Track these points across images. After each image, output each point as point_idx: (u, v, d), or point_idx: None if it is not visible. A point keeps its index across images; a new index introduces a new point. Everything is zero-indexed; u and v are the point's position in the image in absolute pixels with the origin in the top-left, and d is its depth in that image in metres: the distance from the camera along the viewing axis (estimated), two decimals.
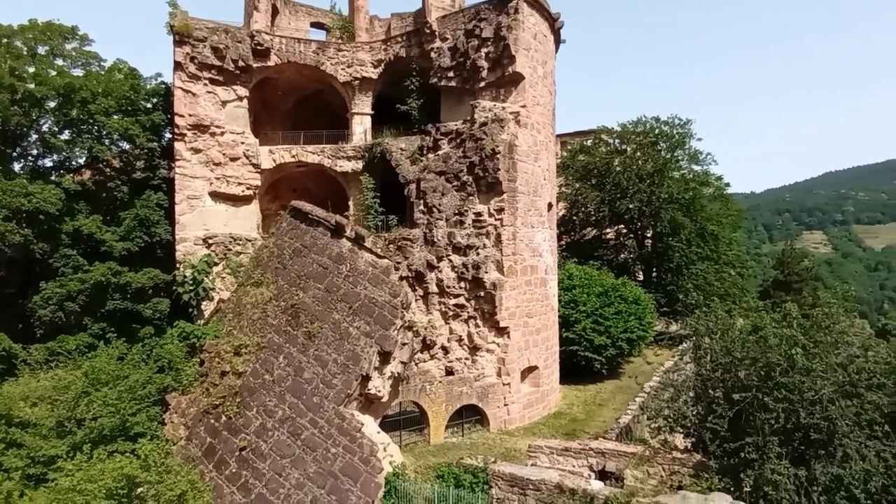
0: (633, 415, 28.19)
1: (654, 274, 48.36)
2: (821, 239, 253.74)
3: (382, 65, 32.18)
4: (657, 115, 49.46)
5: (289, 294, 23.94)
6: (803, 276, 60.62)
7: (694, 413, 19.00)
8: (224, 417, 21.81)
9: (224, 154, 30.27)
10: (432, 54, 29.71)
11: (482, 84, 28.65)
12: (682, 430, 19.76)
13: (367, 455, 20.01)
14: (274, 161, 31.73)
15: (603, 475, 19.65)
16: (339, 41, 32.65)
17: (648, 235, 48.73)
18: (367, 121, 32.95)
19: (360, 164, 31.51)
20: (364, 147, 31.59)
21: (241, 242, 30.28)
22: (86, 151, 30.54)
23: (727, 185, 51.01)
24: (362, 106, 32.87)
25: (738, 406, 16.93)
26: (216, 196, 30.24)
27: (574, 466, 20.22)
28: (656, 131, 47.69)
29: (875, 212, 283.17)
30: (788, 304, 19.54)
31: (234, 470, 20.60)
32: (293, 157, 31.88)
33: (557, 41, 33.34)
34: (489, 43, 28.26)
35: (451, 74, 29.49)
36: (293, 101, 35.61)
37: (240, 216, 31.08)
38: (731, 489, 16.38)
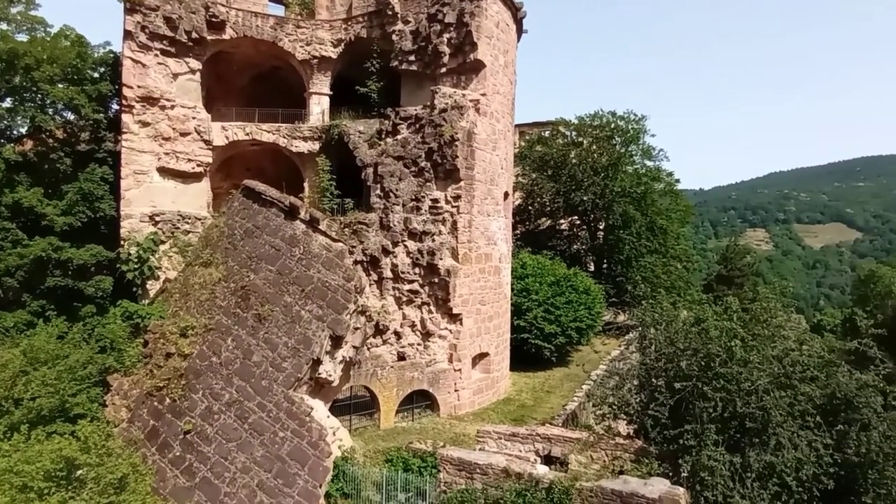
0: (579, 402, 28.89)
1: (605, 265, 49.46)
2: (763, 236, 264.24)
3: (342, 44, 31.59)
4: (613, 109, 50.39)
5: (239, 275, 23.45)
6: (745, 271, 63.05)
7: (637, 401, 19.65)
8: (168, 400, 21.31)
9: (174, 129, 29.27)
10: (394, 37, 29.33)
11: (443, 70, 28.50)
12: (625, 417, 20.43)
13: (315, 439, 19.91)
14: (227, 138, 30.88)
15: (548, 460, 20.14)
16: (299, 17, 31.86)
17: (601, 227, 49.73)
18: (326, 101, 32.37)
19: (316, 146, 30.97)
20: (321, 128, 31.05)
21: (189, 221, 29.43)
22: (28, 121, 29.12)
23: (677, 181, 52.56)
24: (320, 86, 32.25)
25: (678, 395, 17.60)
26: (164, 172, 29.26)
27: (521, 451, 20.65)
28: (612, 126, 48.58)
29: (815, 212, 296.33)
30: (730, 297, 20.38)
31: (177, 453, 20.19)
32: (247, 134, 31.09)
33: (519, 31, 33.44)
34: (452, 28, 28.10)
35: (412, 58, 29.21)
36: (249, 77, 34.64)
37: (189, 194, 30.18)
38: (670, 474, 17.06)
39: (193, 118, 29.70)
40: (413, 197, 27.64)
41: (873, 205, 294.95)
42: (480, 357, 29.54)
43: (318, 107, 32.23)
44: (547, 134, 52.34)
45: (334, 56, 31.75)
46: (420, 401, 27.29)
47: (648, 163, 49.44)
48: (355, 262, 25.45)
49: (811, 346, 19.03)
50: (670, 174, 51.16)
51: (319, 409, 21.26)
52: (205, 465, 19.75)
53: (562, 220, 50.40)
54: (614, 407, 20.17)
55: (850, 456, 16.38)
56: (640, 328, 21.89)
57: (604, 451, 19.11)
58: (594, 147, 48.34)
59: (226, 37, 30.14)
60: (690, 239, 70.97)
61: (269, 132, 31.24)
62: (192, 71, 29.80)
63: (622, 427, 21.33)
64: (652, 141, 49.79)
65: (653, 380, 19.06)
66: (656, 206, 47.60)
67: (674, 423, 17.51)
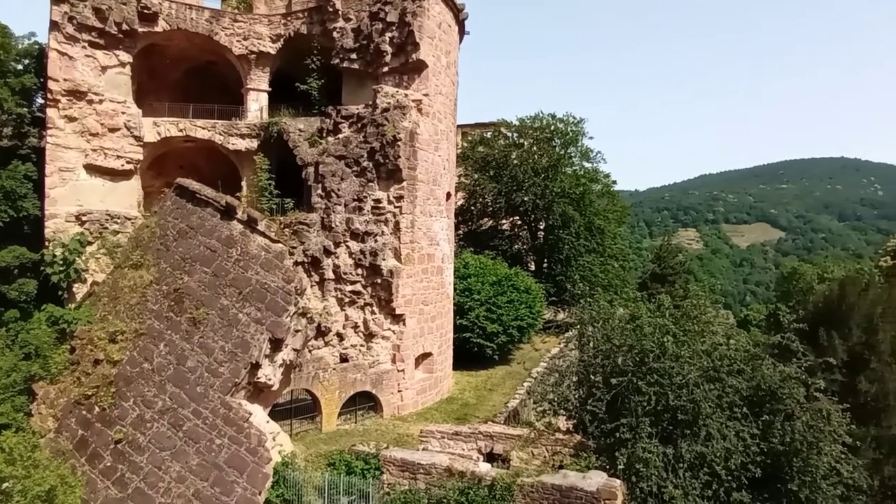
0: (520, 399, 29.35)
1: (545, 264, 50.39)
2: (694, 236, 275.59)
3: (282, 40, 30.92)
4: (553, 111, 51.45)
5: (172, 278, 22.60)
6: (677, 269, 65.57)
7: (576, 396, 20.15)
8: (97, 409, 20.33)
9: (102, 124, 27.93)
10: (335, 34, 28.93)
11: (385, 69, 28.34)
12: (565, 413, 20.90)
13: (254, 445, 19.43)
14: (158, 134, 29.72)
15: (491, 457, 20.38)
16: (236, 11, 30.97)
17: (541, 227, 50.64)
18: (264, 98, 31.62)
19: (254, 143, 30.21)
20: (259, 125, 30.31)
21: (119, 221, 28.16)
22: None
23: (614, 182, 54.12)
24: (259, 81, 31.48)
25: (615, 390, 18.15)
26: (92, 169, 27.89)
27: (464, 450, 20.79)
28: (552, 128, 49.53)
29: (742, 213, 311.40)
30: (662, 295, 21.17)
31: (108, 464, 19.30)
32: (180, 131, 30.01)
33: (462, 32, 33.66)
34: (394, 28, 27.98)
35: (353, 56, 28.90)
36: (183, 72, 33.42)
37: (118, 192, 28.87)
38: (607, 467, 17.56)
39: (123, 113, 28.44)
40: (355, 197, 27.37)
41: (795, 206, 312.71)
42: (424, 357, 29.57)
43: (256, 103, 31.46)
44: (489, 135, 52.86)
45: (273, 52, 31.06)
46: (363, 402, 27.07)
47: (586, 164, 50.73)
48: (296, 264, 24.99)
49: (738, 341, 19.99)
50: (607, 176, 52.68)
51: (258, 415, 20.77)
52: (137, 475, 18.97)
53: (503, 221, 51.02)
54: (554, 403, 20.60)
55: (776, 445, 17.24)
56: (578, 326, 22.45)
57: (544, 447, 19.48)
58: (535, 148, 49.20)
59: (158, 29, 28.99)
60: (626, 238, 73.37)
61: (204, 128, 30.27)
62: (123, 64, 28.54)
63: (562, 423, 21.81)
64: (590, 143, 51.06)
65: (591, 376, 19.59)
66: (594, 207, 48.85)
67: (610, 418, 18.04)
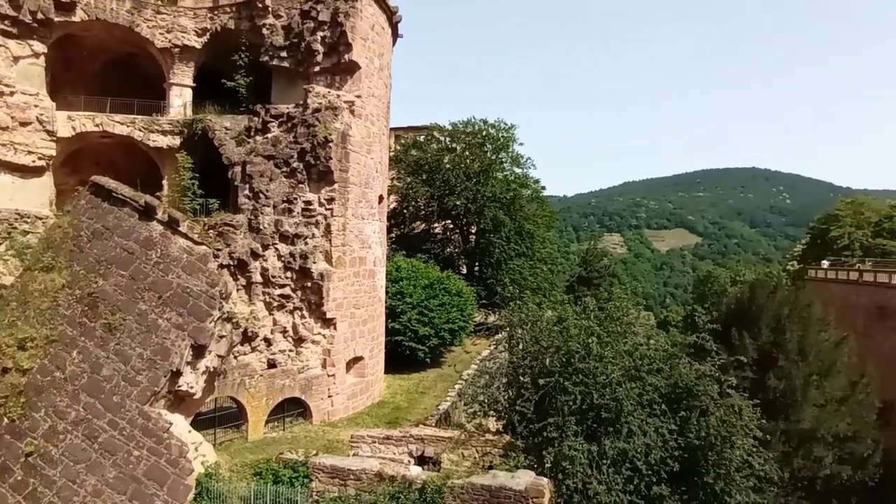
0: (451, 401, 29.54)
1: (477, 268, 51.01)
2: (618, 240, 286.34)
3: (208, 34, 29.83)
4: (485, 117, 52.24)
5: (86, 281, 21.31)
6: (602, 273, 68.04)
7: (505, 398, 20.47)
8: (6, 420, 18.88)
9: (12, 117, 26.12)
10: (264, 30, 28.18)
11: (317, 68, 27.88)
12: (494, 414, 21.20)
13: (175, 456, 18.63)
14: (73, 129, 28.05)
15: (422, 460, 20.40)
16: (159, 3, 29.66)
17: (473, 231, 51.25)
18: (188, 93, 30.41)
19: (177, 141, 28.99)
20: (183, 122, 29.11)
21: (29, 220, 26.35)
22: None
23: (543, 188, 55.49)
24: (182, 76, 30.25)
25: (542, 390, 18.58)
26: (1, 165, 26.02)
27: (395, 454, 20.72)
28: (484, 133, 50.29)
29: (662, 219, 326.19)
30: (588, 298, 21.87)
31: (19, 478, 17.98)
32: (97, 126, 28.43)
33: (395, 35, 33.61)
34: (326, 27, 27.57)
35: (283, 54, 28.25)
36: (101, 64, 31.67)
37: (29, 190, 27.04)
38: (535, 466, 17.95)
39: (36, 106, 26.70)
40: (285, 198, 26.76)
41: (711, 213, 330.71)
42: (355, 361, 29.25)
43: (180, 99, 30.21)
44: (422, 138, 53.06)
45: (198, 46, 29.93)
46: (292, 409, 26.45)
47: (517, 170, 51.80)
48: (221, 267, 24.13)
49: (657, 341, 20.93)
50: (537, 181, 53.97)
51: (179, 424, 19.92)
52: (50, 489, 17.81)
53: (436, 224, 51.30)
54: (484, 405, 20.85)
55: (692, 440, 18.10)
56: (508, 328, 22.83)
57: (474, 448, 19.70)
58: (467, 153, 49.79)
59: (76, 19, 27.40)
60: (555, 243, 75.29)
61: (122, 124, 28.80)
62: (36, 55, 26.82)
63: (492, 424, 22.10)
64: (520, 149, 52.23)
65: (520, 377, 19.97)
66: (524, 212, 49.91)
67: (538, 417, 18.45)
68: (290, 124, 27.34)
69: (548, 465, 17.31)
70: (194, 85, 30.53)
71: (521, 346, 20.65)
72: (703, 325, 22.57)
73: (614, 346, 19.05)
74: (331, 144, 26.59)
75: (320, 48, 27.61)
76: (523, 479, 16.42)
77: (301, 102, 27.41)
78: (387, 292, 34.06)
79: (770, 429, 24.60)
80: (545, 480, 16.43)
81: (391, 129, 41.66)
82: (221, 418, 24.34)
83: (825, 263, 66.10)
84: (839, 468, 28.84)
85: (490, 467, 18.07)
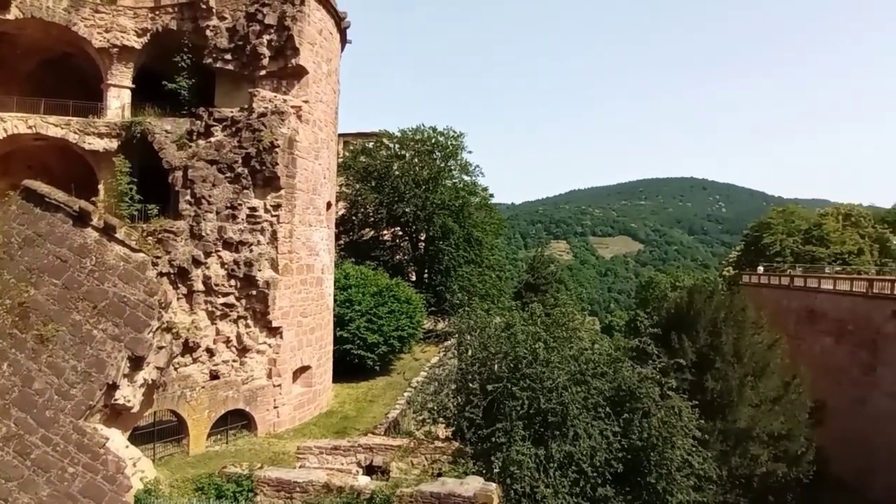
0: (401, 409, 29.36)
1: (426, 275, 51.08)
2: (565, 247, 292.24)
3: (148, 35, 28.83)
4: (434, 124, 52.53)
5: (16, 290, 20.17)
6: (549, 279, 69.28)
7: (454, 404, 20.54)
8: None
9: None
10: (208, 32, 27.46)
11: (263, 72, 27.37)
12: (444, 421, 21.23)
13: (112, 473, 17.80)
14: (5, 131, 26.58)
15: (371, 470, 20.17)
16: (98, 2, 28.53)
17: (422, 238, 51.32)
18: (127, 95, 29.29)
19: (114, 144, 27.84)
20: (121, 124, 28.00)
21: None
22: None
23: (491, 195, 56.21)
24: (121, 77, 29.11)
25: (491, 396, 18.73)
26: None
27: (343, 464, 20.42)
28: (433, 140, 50.54)
29: (607, 226, 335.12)
30: (535, 304, 22.21)
31: None
32: (30, 128, 27.03)
33: (343, 40, 33.39)
34: (272, 30, 27.12)
35: (228, 57, 27.58)
36: (36, 63, 30.15)
37: None
38: (484, 471, 18.02)
39: None
40: (229, 204, 26.09)
41: (652, 221, 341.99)
42: (302, 371, 28.73)
43: (118, 101, 29.08)
44: (371, 145, 52.89)
45: (138, 46, 28.90)
46: (236, 421, 25.70)
47: (466, 177, 52.27)
48: (160, 275, 23.31)
49: (601, 346, 21.47)
50: (485, 189, 54.60)
51: (116, 439, 19.09)
52: None
53: (385, 231, 51.15)
54: (433, 412, 20.86)
55: (635, 441, 18.57)
56: (457, 335, 22.93)
57: (424, 456, 19.62)
58: (416, 160, 49.89)
59: (10, 17, 26.04)
60: (503, 250, 76.35)
61: (56, 126, 27.49)
62: None
63: (441, 431, 22.11)
64: (469, 157, 52.78)
65: (468, 383, 20.07)
66: (473, 219, 50.35)
67: (487, 423, 18.57)
68: (234, 128, 26.73)
69: (496, 471, 17.43)
70: (133, 86, 29.46)
71: (469, 353, 20.77)
72: (645, 329, 23.24)
73: (560, 351, 19.40)
74: (277, 150, 26.13)
75: (266, 52, 27.13)
76: (472, 485, 16.47)
77: (246, 106, 26.85)
78: (335, 300, 33.65)
79: (708, 429, 25.53)
80: (494, 486, 16.53)
81: (340, 136, 41.32)
82: (161, 432, 23.41)
83: (760, 269, 69.31)
84: (774, 466, 30.09)
85: (439, 474, 18.04)
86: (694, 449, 19.35)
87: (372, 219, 49.17)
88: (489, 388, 18.75)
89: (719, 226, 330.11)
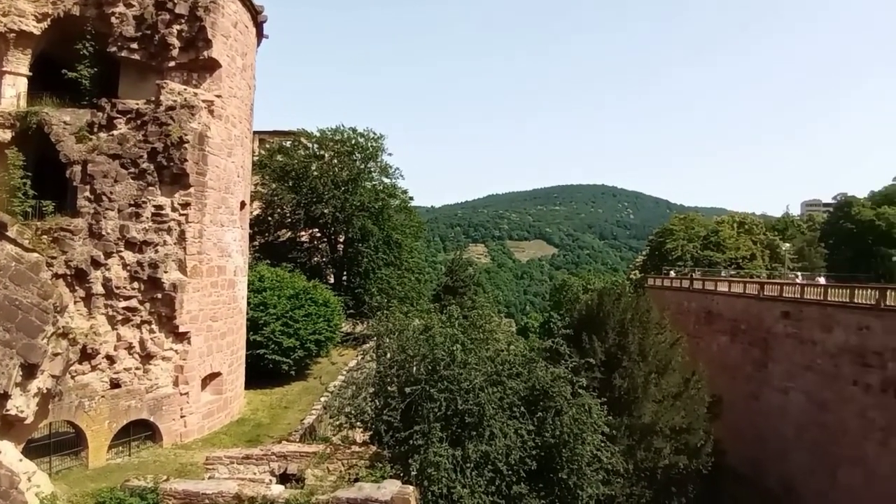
0: (317, 414, 28.83)
1: (345, 277, 50.46)
2: (483, 251, 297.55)
3: (49, 20, 26.71)
4: (354, 125, 52.04)
5: None
6: (467, 282, 70.29)
7: (372, 408, 20.41)
8: None
9: None
10: (113, 19, 25.83)
11: (172, 63, 26.07)
12: (361, 426, 21.05)
13: (5, 488, 16.35)
14: None
15: (285, 478, 19.65)
16: None
17: (341, 240, 50.70)
18: (23, 83, 27.00)
19: (8, 135, 25.57)
20: (16, 114, 25.75)
21: None
22: None
23: (411, 198, 56.30)
24: (17, 64, 26.80)
25: (409, 398, 18.76)
26: None
27: (255, 473, 19.78)
28: (353, 141, 50.02)
29: (523, 230, 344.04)
30: (452, 306, 22.47)
31: None
32: None
33: (260, 35, 32.45)
34: (183, 20, 25.89)
35: (134, 46, 26.06)
36: None
37: None
38: (402, 475, 18.01)
39: None
40: (132, 202, 24.63)
41: (566, 225, 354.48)
42: (211, 377, 27.55)
43: (13, 89, 26.77)
44: (288, 144, 51.64)
45: (37, 32, 26.70)
46: (140, 431, 24.28)
47: (385, 180, 52.07)
48: (55, 276, 21.73)
49: (517, 347, 22.05)
50: (405, 192, 54.63)
51: (9, 452, 17.57)
52: None
53: (302, 233, 50.10)
54: (351, 416, 20.64)
55: (548, 438, 19.16)
56: (376, 337, 22.80)
57: (340, 462, 19.36)
58: (335, 161, 49.22)
59: None
60: (423, 252, 76.63)
61: None
62: None
63: (359, 435, 21.91)
64: (389, 159, 52.62)
65: (387, 386, 20.02)
66: (392, 222, 50.28)
67: (405, 426, 18.58)
68: (139, 122, 25.27)
69: (414, 473, 17.47)
70: (30, 74, 27.26)
71: (388, 356, 20.72)
72: (558, 330, 24.05)
73: (477, 353, 19.73)
74: (186, 145, 24.96)
75: (176, 42, 25.88)
76: (389, 488, 16.42)
77: (153, 99, 25.48)
78: (249, 303, 32.54)
79: (616, 424, 26.74)
80: (411, 488, 16.55)
81: (255, 133, 40.05)
82: (58, 445, 21.73)
83: (672, 273, 73.43)
84: (676, 458, 31.88)
85: (356, 480, 17.85)
86: (603, 444, 20.19)
87: (289, 220, 48.00)
88: (407, 390, 18.78)
89: (627, 231, 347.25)
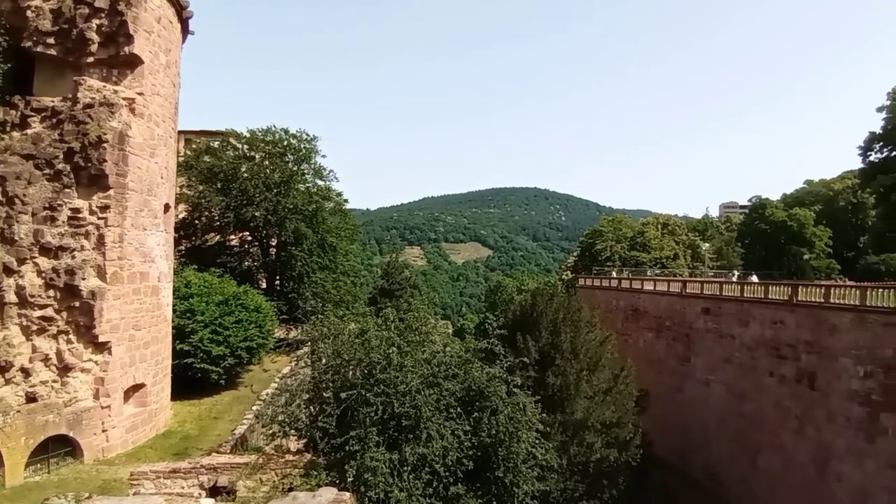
0: (249, 424, 28.04)
1: (277, 282, 49.31)
2: (419, 253, 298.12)
3: None
4: (286, 126, 50.92)
5: None
6: (403, 284, 70.35)
7: (307, 415, 20.02)
8: None
9: None
10: (28, 13, 24.21)
11: (91, 59, 24.72)
12: (295, 433, 20.59)
13: None
14: None
15: (215, 491, 18.98)
16: None
17: (273, 244, 49.51)
18: None
19: None
20: None
21: None
22: None
23: (346, 201, 55.61)
24: None
25: (345, 403, 18.53)
26: None
27: (184, 488, 19.02)
28: (285, 143, 48.95)
29: (458, 233, 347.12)
30: (388, 309, 22.36)
31: None
32: None
33: (185, 31, 31.27)
34: (103, 15, 24.61)
35: (51, 41, 24.54)
36: None
37: None
38: (338, 481, 17.76)
39: None
40: (47, 205, 23.20)
41: (500, 228, 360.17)
42: (135, 389, 26.28)
43: None
44: (216, 144, 49.95)
45: None
46: (59, 448, 22.88)
47: (319, 182, 51.25)
48: None
49: (453, 348, 22.15)
50: (339, 194, 53.90)
51: None
52: None
53: (232, 236, 48.57)
54: (284, 424, 20.15)
55: (484, 438, 19.33)
56: (310, 343, 22.40)
57: (274, 471, 18.88)
58: (266, 162, 48.02)
59: None
60: (358, 255, 76.00)
61: None
62: None
63: (293, 444, 21.43)
64: (323, 161, 51.77)
65: (322, 392, 19.70)
66: (327, 224, 49.55)
67: (340, 432, 18.34)
68: (55, 120, 23.88)
69: (350, 479, 17.26)
70: None
71: (323, 361, 20.39)
72: (493, 331, 24.36)
73: (414, 355, 19.71)
74: (105, 145, 23.74)
75: (95, 37, 24.57)
76: (325, 496, 16.13)
77: (70, 96, 24.13)
78: (174, 310, 31.23)
79: (550, 421, 27.36)
80: (347, 495, 16.33)
81: (181, 133, 38.60)
82: None
83: (614, 273, 75.76)
84: (607, 452, 32.93)
85: (290, 489, 17.45)
86: (537, 441, 20.57)
87: (217, 223, 46.39)
88: (343, 395, 18.54)
89: (559, 233, 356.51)
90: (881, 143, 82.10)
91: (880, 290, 33.99)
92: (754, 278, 51.94)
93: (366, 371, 18.97)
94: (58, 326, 23.47)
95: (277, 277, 49.43)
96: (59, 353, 23.45)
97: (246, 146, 49.23)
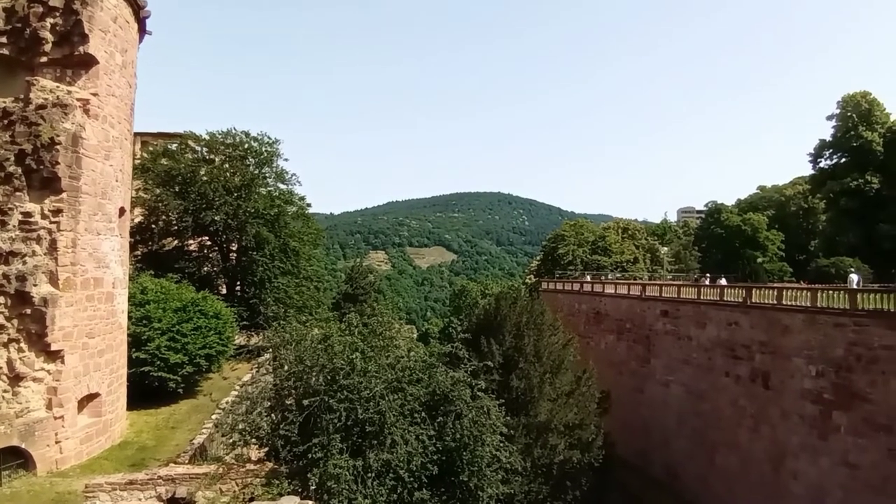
0: (208, 433, 27.46)
1: (238, 287, 48.43)
2: (383, 258, 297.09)
3: None
4: (247, 129, 50.04)
5: None
6: (368, 289, 69.99)
7: (268, 423, 19.74)
8: None
9: None
10: None
11: (44, 59, 23.96)
12: (256, 442, 20.28)
13: None
14: None
15: (174, 502, 18.58)
16: None
17: (233, 249, 48.57)
18: None
19: None
20: None
21: None
22: None
23: (309, 205, 55.01)
24: None
25: (307, 410, 18.34)
26: None
27: (141, 499, 18.59)
28: (246, 146, 48.10)
29: (423, 237, 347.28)
30: (352, 314, 22.25)
31: None
32: None
33: (142, 31, 30.54)
34: (58, 14, 23.91)
35: (3, 40, 23.65)
36: None
37: None
38: (300, 490, 17.57)
39: None
40: None
41: (464, 232, 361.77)
42: (89, 399, 25.45)
43: None
44: (174, 147, 48.78)
45: None
46: (11, 460, 22.00)
47: (281, 186, 50.49)
48: None
49: (417, 353, 22.16)
50: (302, 198, 53.27)
51: None
52: None
53: (191, 241, 47.46)
54: (245, 433, 19.83)
55: (449, 442, 19.38)
56: (272, 349, 22.11)
57: (234, 481, 18.56)
58: (227, 166, 47.12)
59: None
60: (322, 260, 75.24)
61: None
62: None
63: (254, 453, 21.10)
64: (285, 164, 51.01)
65: (284, 399, 19.47)
66: (289, 229, 48.83)
67: (303, 439, 18.14)
68: (6, 121, 23.04)
69: (313, 488, 17.09)
70: None
71: (285, 367, 20.14)
72: (458, 335, 24.45)
73: (378, 360, 19.66)
74: (58, 147, 23.02)
75: (49, 36, 23.83)
76: None
77: (22, 97, 23.33)
78: (130, 318, 30.35)
79: (514, 424, 27.57)
80: (310, 503, 16.18)
81: (137, 135, 37.64)
82: None
83: (588, 277, 76.53)
84: (570, 453, 33.33)
85: (251, 499, 17.19)
86: (502, 444, 20.73)
87: (175, 227, 45.24)
88: (305, 402, 18.35)
89: (523, 237, 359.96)
90: (831, 150, 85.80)
91: (830, 291, 35.33)
92: (723, 281, 53.33)
93: (329, 377, 18.83)
94: (8, 335, 22.60)
95: (238, 283, 48.52)
96: (9, 362, 22.56)
97: (205, 149, 48.21)
